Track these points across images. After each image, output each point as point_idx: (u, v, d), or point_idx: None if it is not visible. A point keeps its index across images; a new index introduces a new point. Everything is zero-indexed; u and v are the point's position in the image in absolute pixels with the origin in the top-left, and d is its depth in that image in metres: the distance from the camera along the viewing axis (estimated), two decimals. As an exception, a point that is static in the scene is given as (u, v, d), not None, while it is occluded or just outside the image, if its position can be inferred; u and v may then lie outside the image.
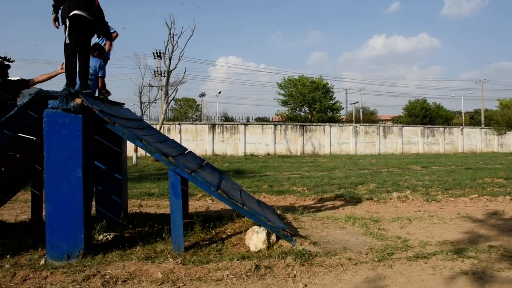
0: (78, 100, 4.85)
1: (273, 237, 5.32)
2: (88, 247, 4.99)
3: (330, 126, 36.17)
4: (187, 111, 60.21)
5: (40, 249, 5.31)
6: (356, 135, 36.32)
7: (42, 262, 4.84)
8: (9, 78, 6.51)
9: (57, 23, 5.50)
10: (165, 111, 26.74)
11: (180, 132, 31.40)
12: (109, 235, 5.70)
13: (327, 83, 47.10)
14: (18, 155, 5.78)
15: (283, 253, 4.94)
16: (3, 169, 5.82)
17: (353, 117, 57.90)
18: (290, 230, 5.46)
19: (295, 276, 4.42)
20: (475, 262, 4.82)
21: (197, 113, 59.16)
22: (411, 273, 4.50)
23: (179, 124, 32.69)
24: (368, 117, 58.01)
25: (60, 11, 5.47)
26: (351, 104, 61.18)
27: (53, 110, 4.87)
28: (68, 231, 4.87)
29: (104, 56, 6.84)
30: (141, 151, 24.50)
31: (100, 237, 5.65)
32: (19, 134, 5.29)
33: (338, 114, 48.85)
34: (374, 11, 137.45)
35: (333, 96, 47.61)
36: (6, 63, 6.45)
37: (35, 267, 4.68)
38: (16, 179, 6.55)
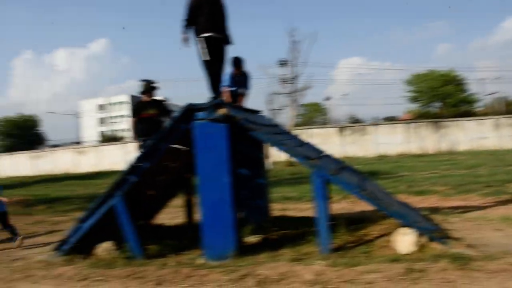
0: (223, 110, 5.19)
1: (423, 239, 5.07)
2: (239, 248, 5.28)
3: (467, 120, 33.36)
4: (313, 115, 60.40)
5: (196, 250, 5.74)
6: (498, 128, 32.99)
7: (200, 261, 5.24)
8: (155, 98, 7.29)
9: (188, 42, 5.99)
10: (294, 117, 27.18)
11: (309, 137, 31.61)
12: (257, 237, 5.96)
13: (459, 75, 43.74)
14: (171, 165, 6.34)
15: (436, 256, 4.67)
16: (162, 178, 6.45)
17: (492, 109, 52.73)
18: (440, 231, 5.18)
19: (452, 281, 4.14)
20: None
21: (323, 117, 58.99)
22: None
23: (308, 128, 32.90)
24: (509, 108, 52.30)
25: (191, 30, 5.97)
26: (488, 95, 55.81)
27: (201, 121, 5.27)
28: (220, 233, 5.23)
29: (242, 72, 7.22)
30: (274, 156, 25.12)
31: (248, 239, 5.94)
32: (172, 146, 5.78)
33: (473, 107, 44.91)
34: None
35: (467, 88, 44.00)
36: (154, 85, 7.24)
37: (194, 266, 5.08)
38: (172, 187, 7.20)
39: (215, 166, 5.26)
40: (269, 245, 5.59)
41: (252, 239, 5.95)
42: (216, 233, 5.24)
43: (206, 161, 5.28)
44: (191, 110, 5.42)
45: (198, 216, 5.62)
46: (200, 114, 5.33)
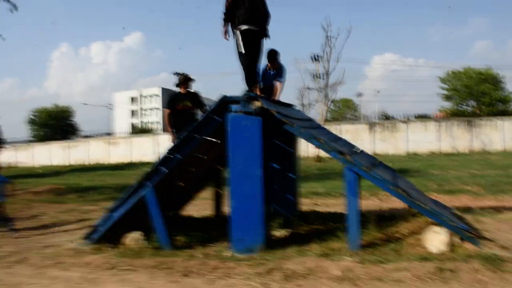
0: (258, 103, 5.19)
1: (455, 238, 4.94)
2: (267, 242, 5.26)
3: (503, 120, 32.31)
4: (345, 111, 59.92)
5: (224, 242, 5.73)
6: (535, 128, 31.77)
7: (228, 254, 5.24)
8: (190, 90, 7.34)
9: (227, 35, 6.00)
10: (325, 113, 27.02)
11: (340, 133, 31.26)
12: (285, 231, 5.94)
13: (496, 73, 42.42)
14: (205, 157, 6.36)
15: (468, 256, 4.55)
16: (193, 170, 6.48)
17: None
18: (473, 231, 5.04)
19: (484, 282, 4.02)
20: None
21: (355, 113, 58.44)
22: None
23: (339, 124, 32.61)
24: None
25: (230, 24, 5.96)
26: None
27: (236, 113, 5.28)
28: (249, 226, 5.22)
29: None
30: (302, 151, 24.99)
31: (277, 233, 5.91)
32: (206, 138, 5.80)
33: (510, 107, 43.47)
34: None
35: (504, 87, 42.64)
36: (190, 77, 7.28)
37: (222, 258, 5.10)
38: (202, 179, 7.24)
39: (247, 159, 5.27)
40: (297, 240, 5.56)
41: (280, 233, 5.93)
42: (245, 226, 5.23)
43: (238, 153, 5.29)
44: (225, 102, 5.43)
45: (227, 208, 5.64)
46: (234, 107, 5.33)
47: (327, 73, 26.41)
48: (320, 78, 29.98)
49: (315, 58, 30.96)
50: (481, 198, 9.55)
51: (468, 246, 4.85)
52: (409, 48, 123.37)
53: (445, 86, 44.67)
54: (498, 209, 7.94)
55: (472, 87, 41.68)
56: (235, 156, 5.28)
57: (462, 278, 4.12)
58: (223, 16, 5.99)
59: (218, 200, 7.35)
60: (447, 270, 4.27)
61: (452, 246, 4.87)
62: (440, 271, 4.25)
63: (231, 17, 5.94)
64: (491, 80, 41.71)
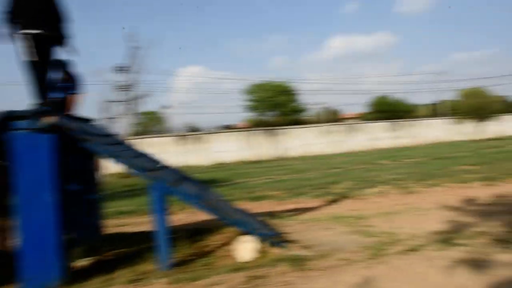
0: (49, 119, 4.59)
1: (262, 245, 5.17)
2: (66, 276, 4.68)
3: (297, 128, 36.29)
4: (151, 124, 59.35)
5: (15, 283, 4.91)
6: (323, 135, 36.52)
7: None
8: None
9: (9, 39, 5.20)
10: (129, 126, 26.24)
11: (146, 146, 30.71)
12: (89, 260, 5.40)
13: (291, 86, 47.69)
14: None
15: (275, 261, 4.80)
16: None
17: (319, 117, 58.53)
18: (278, 236, 5.32)
19: (291, 283, 4.27)
20: (469, 249, 4.81)
21: (161, 126, 58.37)
22: (406, 267, 4.43)
23: (144, 138, 32.01)
24: (333, 117, 58.73)
25: (13, 26, 5.18)
26: (315, 105, 61.88)
27: (22, 130, 4.59)
28: (45, 260, 4.58)
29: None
30: (107, 168, 23.81)
31: (78, 264, 5.34)
32: None
33: (303, 116, 49.48)
34: (331, 12, 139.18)
35: (298, 99, 48.25)
36: None
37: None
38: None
39: (38, 183, 4.61)
40: (104, 268, 5.09)
41: (83, 262, 5.36)
42: (39, 261, 4.57)
43: (27, 177, 4.60)
44: (9, 118, 4.67)
45: (16, 242, 4.83)
46: (21, 123, 4.63)
47: (132, 85, 25.73)
48: (124, 90, 29.11)
49: (119, 69, 29.98)
50: (284, 202, 10.32)
51: (275, 251, 5.13)
52: (214, 61, 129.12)
53: (249, 97, 48.10)
54: (297, 211, 8.67)
55: (271, 99, 45.79)
56: (23, 180, 4.58)
57: (271, 282, 4.31)
58: (4, 15, 5.13)
59: (4, 233, 6.31)
60: (258, 277, 4.43)
61: (261, 252, 5.08)
62: (252, 279, 4.38)
63: (16, 18, 5.13)
64: (287, 92, 46.53)
